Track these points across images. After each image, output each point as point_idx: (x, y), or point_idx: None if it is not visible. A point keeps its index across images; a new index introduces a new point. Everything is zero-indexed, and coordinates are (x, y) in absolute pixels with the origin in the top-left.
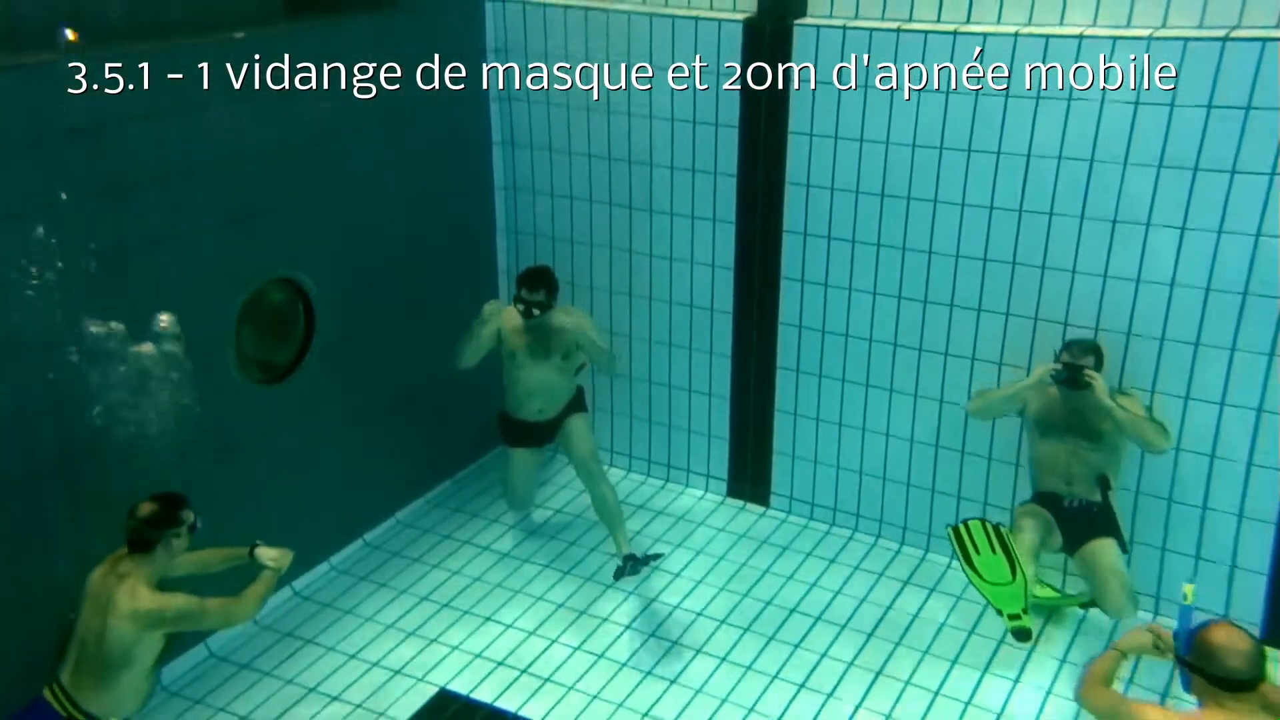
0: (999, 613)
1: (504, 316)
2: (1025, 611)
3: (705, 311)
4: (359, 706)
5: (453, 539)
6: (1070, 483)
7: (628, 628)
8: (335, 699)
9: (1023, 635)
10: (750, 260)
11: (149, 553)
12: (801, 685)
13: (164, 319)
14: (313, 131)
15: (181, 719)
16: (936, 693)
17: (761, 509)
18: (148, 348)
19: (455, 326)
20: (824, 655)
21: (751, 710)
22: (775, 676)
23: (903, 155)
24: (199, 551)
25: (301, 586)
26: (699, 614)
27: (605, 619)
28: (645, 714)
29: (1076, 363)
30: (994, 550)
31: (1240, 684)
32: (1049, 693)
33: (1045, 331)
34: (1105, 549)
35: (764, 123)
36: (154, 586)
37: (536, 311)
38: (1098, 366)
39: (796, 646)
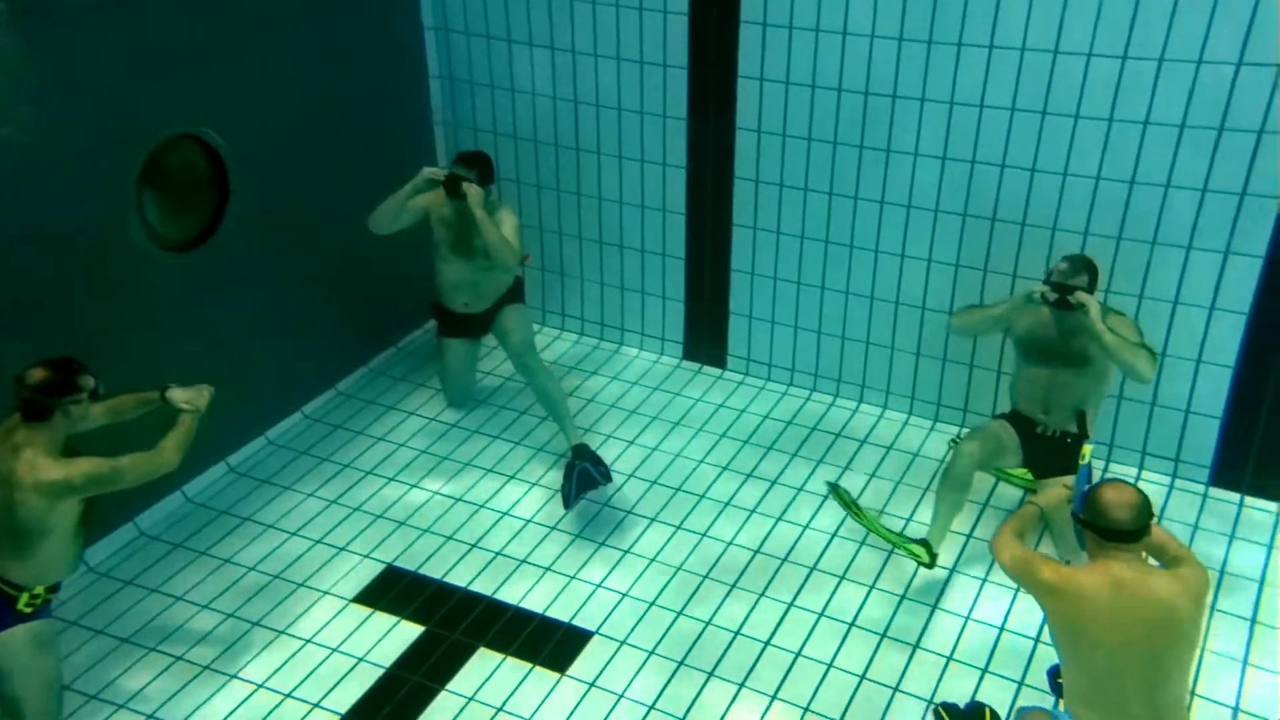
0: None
1: (435, 197)
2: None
3: (657, 167)
4: (301, 585)
5: (397, 409)
6: (1047, 411)
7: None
8: (275, 577)
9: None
10: (703, 111)
11: (46, 420)
12: (756, 551)
13: None
14: None
15: (111, 600)
16: (890, 553)
17: (718, 371)
18: None
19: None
20: (779, 520)
21: (705, 578)
22: (730, 543)
23: None
24: (108, 400)
25: (237, 462)
26: (653, 482)
27: (557, 490)
28: (599, 585)
29: (1067, 282)
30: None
31: (1124, 534)
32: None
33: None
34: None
35: None
36: (57, 453)
37: (461, 190)
38: (1091, 285)
39: (753, 512)
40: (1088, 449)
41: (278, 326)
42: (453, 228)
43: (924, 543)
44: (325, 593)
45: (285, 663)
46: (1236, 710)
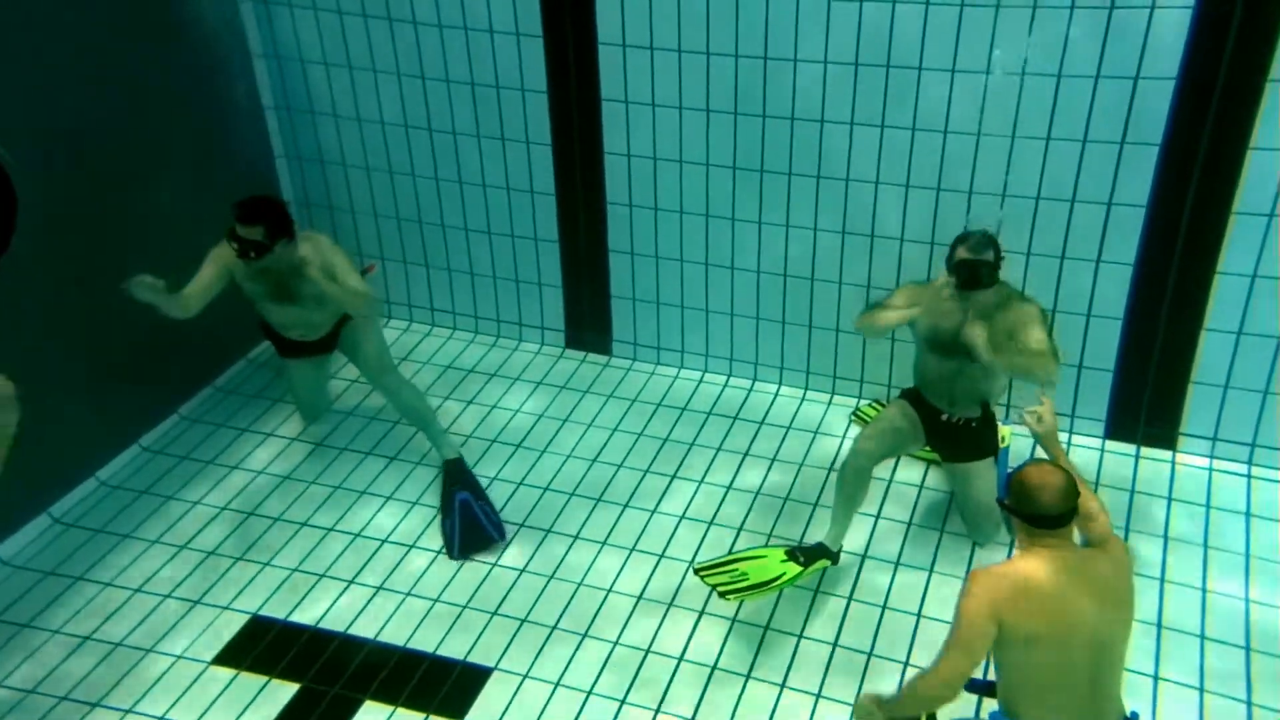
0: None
1: (227, 254)
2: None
3: (520, 145)
4: (150, 650)
5: (251, 432)
6: (952, 404)
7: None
8: (118, 645)
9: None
10: (564, 80)
11: None
12: (661, 555)
13: None
14: None
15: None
16: (800, 539)
17: (605, 358)
18: None
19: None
20: (682, 518)
21: (609, 591)
22: (632, 549)
23: None
24: None
25: (61, 512)
26: (545, 489)
27: (438, 509)
28: (494, 612)
29: (976, 258)
30: (744, 579)
31: (1054, 519)
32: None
33: (925, 143)
34: (980, 482)
35: None
36: None
37: (253, 255)
38: (996, 261)
39: (654, 512)
40: (1006, 430)
41: (98, 344)
42: (265, 281)
43: (821, 550)
44: (179, 656)
45: None
46: (1155, 678)
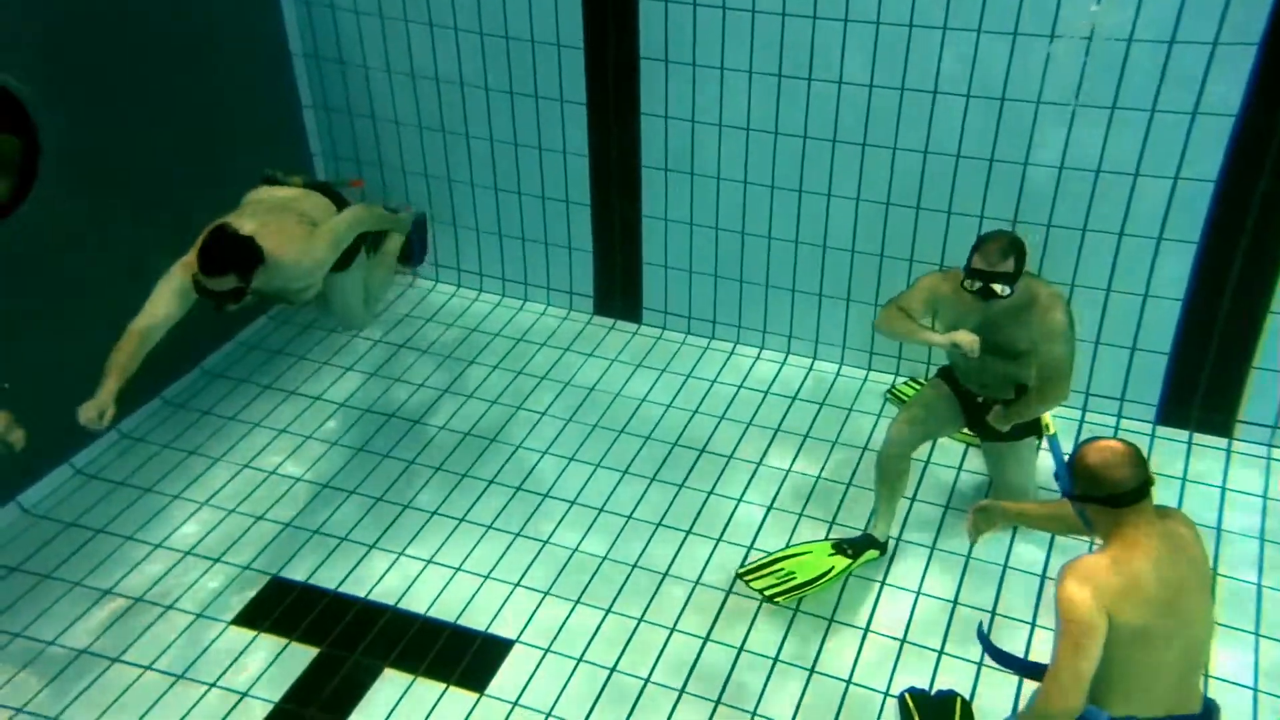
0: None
1: (186, 277)
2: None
3: (554, 103)
4: (169, 608)
5: (274, 389)
6: (984, 387)
7: (492, 482)
8: (138, 600)
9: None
10: (602, 36)
11: None
12: (688, 532)
13: None
14: None
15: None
16: (831, 521)
17: (634, 326)
18: None
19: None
20: (710, 493)
21: (634, 567)
22: (659, 524)
23: None
24: None
25: (84, 463)
26: (570, 459)
27: (464, 474)
28: (517, 583)
29: (994, 269)
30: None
31: (1133, 493)
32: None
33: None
34: (1015, 464)
35: None
36: None
37: (232, 305)
38: (1018, 267)
39: (681, 486)
40: (1048, 418)
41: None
42: (254, 297)
43: (868, 540)
44: (199, 615)
45: (154, 704)
46: (1206, 677)
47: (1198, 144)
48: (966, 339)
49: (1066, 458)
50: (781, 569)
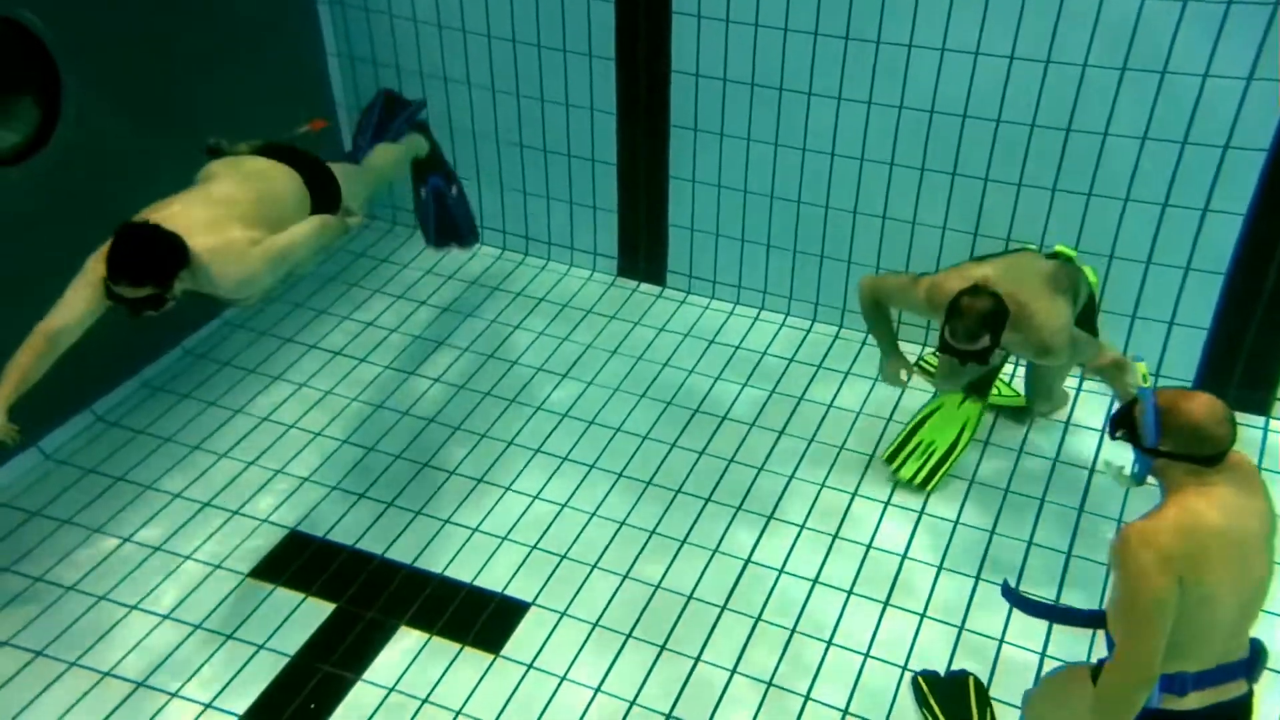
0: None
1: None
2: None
3: (582, 58)
4: (188, 558)
5: (294, 343)
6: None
7: (510, 443)
8: (157, 550)
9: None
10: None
11: None
12: (707, 500)
13: None
14: None
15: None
16: (854, 493)
17: (658, 289)
18: None
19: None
20: (731, 461)
21: (652, 533)
22: (678, 491)
23: None
24: None
25: (105, 410)
26: (590, 422)
27: (484, 434)
28: (533, 546)
29: (966, 348)
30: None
31: (1224, 453)
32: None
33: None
34: (1049, 370)
35: None
36: None
37: (153, 311)
38: (995, 338)
39: (701, 453)
40: (1141, 366)
41: None
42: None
43: (970, 387)
44: (217, 566)
45: (171, 654)
46: None
47: (1251, 112)
48: (894, 381)
49: (1155, 409)
50: (919, 442)
